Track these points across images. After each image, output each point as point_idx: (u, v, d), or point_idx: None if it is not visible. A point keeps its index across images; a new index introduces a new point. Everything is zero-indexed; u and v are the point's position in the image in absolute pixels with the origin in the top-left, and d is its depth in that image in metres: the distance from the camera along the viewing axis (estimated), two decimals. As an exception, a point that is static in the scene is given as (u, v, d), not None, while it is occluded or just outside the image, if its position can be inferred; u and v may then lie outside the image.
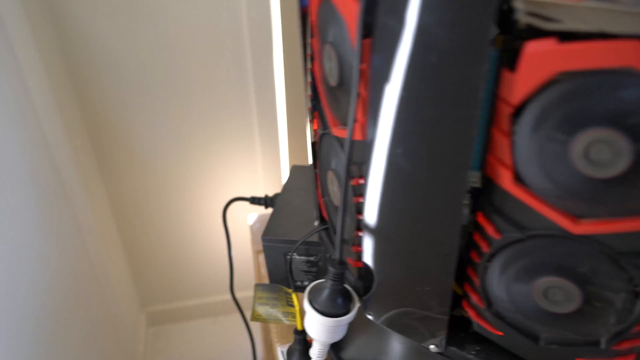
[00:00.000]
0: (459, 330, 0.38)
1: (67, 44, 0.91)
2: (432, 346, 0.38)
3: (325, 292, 0.39)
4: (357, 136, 0.32)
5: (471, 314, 0.35)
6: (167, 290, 1.34)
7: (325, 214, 0.46)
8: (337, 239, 0.36)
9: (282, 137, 1.11)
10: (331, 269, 0.38)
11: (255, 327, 1.24)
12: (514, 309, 0.33)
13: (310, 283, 0.58)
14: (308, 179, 0.64)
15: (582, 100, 0.24)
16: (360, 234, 0.37)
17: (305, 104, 1.06)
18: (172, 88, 1.01)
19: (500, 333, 0.35)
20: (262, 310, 0.59)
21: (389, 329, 0.43)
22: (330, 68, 0.34)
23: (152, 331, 1.37)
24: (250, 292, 1.38)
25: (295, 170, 0.67)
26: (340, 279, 0.38)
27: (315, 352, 0.43)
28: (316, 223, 0.52)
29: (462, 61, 0.25)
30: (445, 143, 0.28)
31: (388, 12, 0.26)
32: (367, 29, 0.28)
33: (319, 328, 0.41)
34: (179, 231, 1.22)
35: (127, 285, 1.21)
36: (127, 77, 0.97)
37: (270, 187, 1.20)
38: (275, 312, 0.59)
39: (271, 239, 0.54)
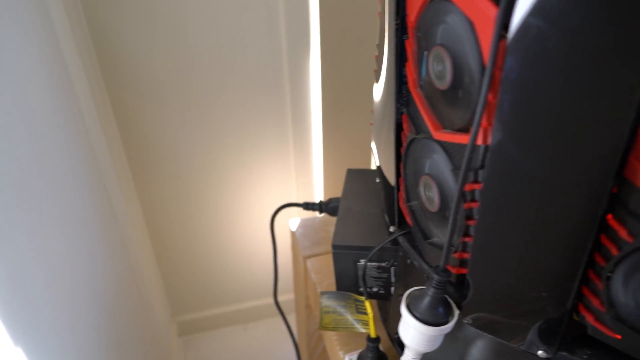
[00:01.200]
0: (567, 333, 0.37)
1: (100, 47, 0.90)
2: (540, 352, 0.38)
3: (427, 300, 0.38)
4: (479, 141, 0.31)
5: (588, 317, 0.35)
6: (196, 299, 1.33)
7: (409, 219, 0.45)
8: (445, 245, 0.35)
9: (316, 142, 1.10)
10: (435, 277, 0.37)
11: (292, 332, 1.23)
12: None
13: (379, 289, 0.57)
14: (366, 183, 0.63)
15: None
16: (468, 240, 0.36)
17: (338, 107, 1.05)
18: (203, 92, 1.00)
19: (618, 336, 0.34)
20: (330, 318, 0.58)
21: (481, 334, 0.42)
22: (441, 71, 0.33)
23: (182, 341, 1.35)
24: (286, 297, 1.38)
25: (351, 174, 0.66)
26: (443, 287, 0.37)
27: (407, 361, 0.42)
28: (392, 229, 0.51)
29: (621, 62, 0.24)
30: (589, 147, 0.27)
31: (533, 12, 0.25)
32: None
33: (418, 337, 0.40)
34: (208, 239, 1.21)
35: (160, 294, 1.20)
36: (160, 82, 0.96)
37: (304, 193, 1.19)
38: (344, 320, 0.58)
39: (342, 246, 0.53)
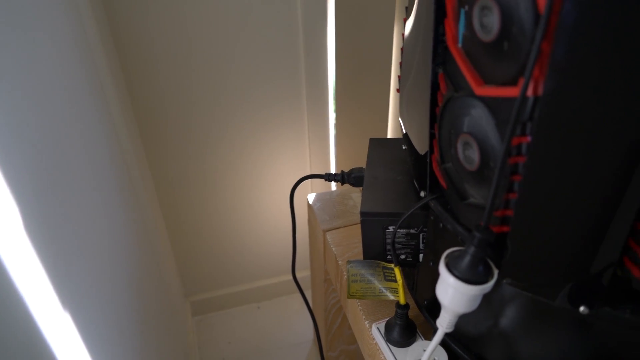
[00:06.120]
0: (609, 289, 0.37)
1: (116, 33, 0.89)
2: (582, 308, 0.38)
3: (467, 259, 0.38)
4: (529, 92, 0.30)
5: (634, 271, 0.34)
6: (209, 279, 1.33)
7: (442, 182, 0.45)
8: (488, 203, 0.35)
9: (330, 115, 1.09)
10: (477, 235, 0.37)
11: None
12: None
13: (407, 257, 0.57)
14: (390, 151, 0.63)
15: None
16: (511, 197, 0.36)
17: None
18: (216, 66, 0.99)
19: (665, 289, 0.34)
20: (358, 287, 0.58)
21: (518, 294, 0.42)
22: (488, 23, 0.32)
23: (195, 320, 1.36)
24: (299, 274, 1.38)
25: (374, 143, 0.66)
26: (485, 245, 0.37)
27: (444, 322, 0.42)
28: (422, 193, 0.51)
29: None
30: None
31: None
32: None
33: (458, 297, 0.39)
34: (219, 218, 1.21)
35: (174, 274, 1.20)
36: (172, 55, 0.95)
37: (317, 169, 1.19)
38: (373, 288, 0.58)
39: (371, 213, 0.53)
